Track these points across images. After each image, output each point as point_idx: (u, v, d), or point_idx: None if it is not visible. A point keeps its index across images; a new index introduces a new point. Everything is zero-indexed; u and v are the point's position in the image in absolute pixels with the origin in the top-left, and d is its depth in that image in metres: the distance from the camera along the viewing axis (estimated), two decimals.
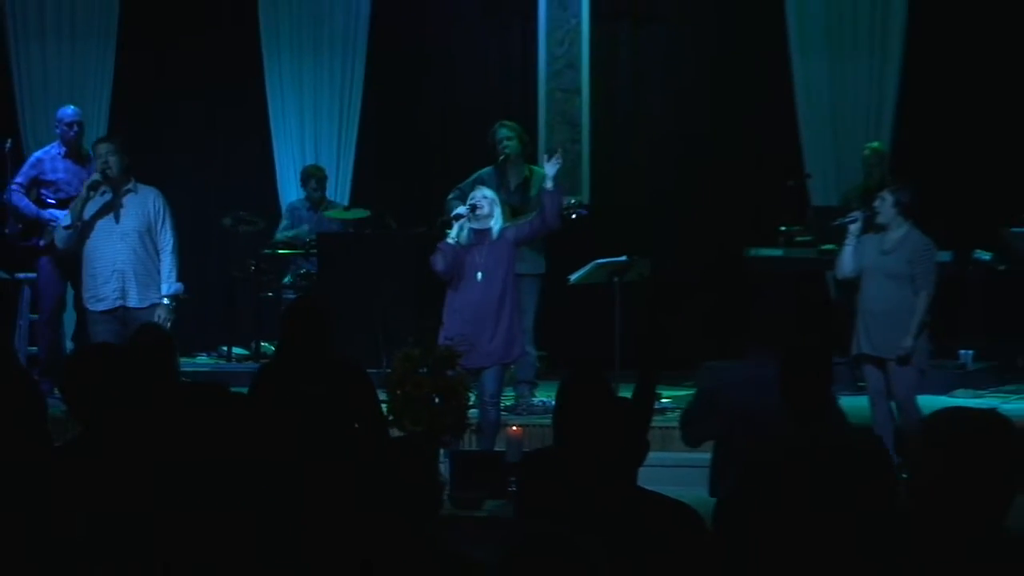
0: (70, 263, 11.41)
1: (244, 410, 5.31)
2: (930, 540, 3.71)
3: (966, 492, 3.67)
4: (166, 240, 10.46)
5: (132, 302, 10.34)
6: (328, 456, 6.83)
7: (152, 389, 6.29)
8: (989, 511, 3.69)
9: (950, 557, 3.67)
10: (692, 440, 7.57)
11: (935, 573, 3.68)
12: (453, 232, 9.73)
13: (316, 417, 6.94)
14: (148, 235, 10.39)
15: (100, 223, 10.36)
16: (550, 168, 10.06)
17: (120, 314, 10.30)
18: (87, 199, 10.33)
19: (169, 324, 10.27)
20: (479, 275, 9.71)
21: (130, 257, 10.34)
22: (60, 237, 10.50)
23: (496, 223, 9.80)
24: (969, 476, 3.67)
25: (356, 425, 7.55)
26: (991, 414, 3.80)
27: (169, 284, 10.43)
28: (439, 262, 9.71)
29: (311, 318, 7.59)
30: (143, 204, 10.41)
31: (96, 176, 10.30)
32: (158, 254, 10.43)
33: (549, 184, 9.99)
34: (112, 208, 10.34)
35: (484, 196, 9.83)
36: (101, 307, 10.36)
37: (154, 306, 10.34)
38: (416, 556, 4.26)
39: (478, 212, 9.74)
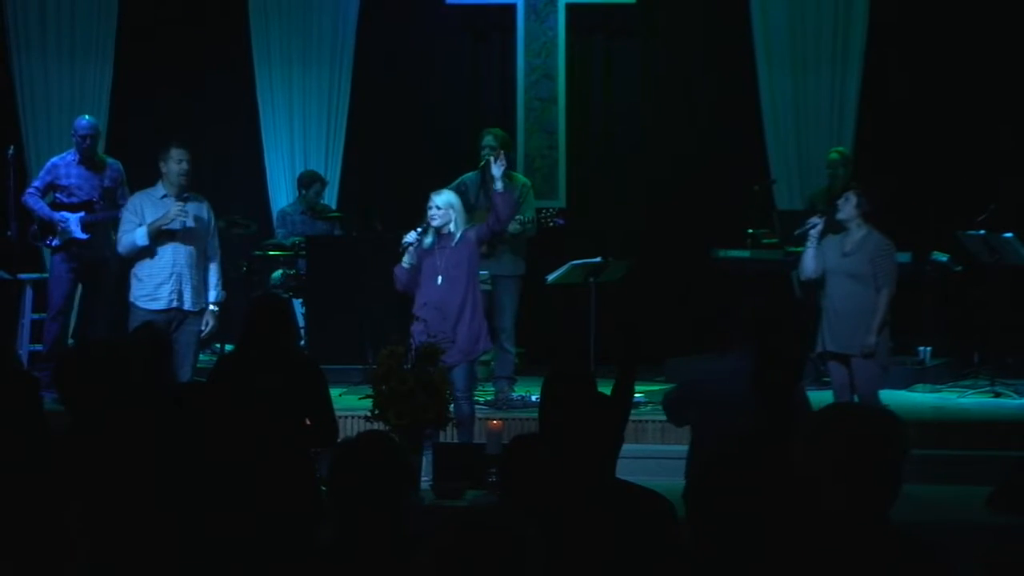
0: (84, 266, 11.84)
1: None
2: (817, 532, 3.73)
3: (853, 485, 3.68)
4: (215, 249, 10.65)
5: (186, 305, 10.41)
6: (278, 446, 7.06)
7: (147, 386, 6.43)
8: (875, 504, 3.72)
9: (837, 548, 3.69)
10: (674, 422, 7.92)
11: (823, 563, 3.70)
12: (407, 258, 9.90)
13: (268, 408, 7.12)
14: (203, 242, 10.53)
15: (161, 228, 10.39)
16: (495, 169, 10.20)
17: (172, 316, 10.36)
18: (165, 224, 10.31)
19: (216, 329, 10.63)
20: (439, 279, 9.85)
21: (188, 261, 10.40)
22: (126, 248, 10.43)
23: (456, 227, 9.92)
24: (856, 470, 3.68)
25: (308, 420, 7.59)
26: (881, 410, 3.88)
27: (217, 291, 10.59)
28: (397, 284, 9.97)
29: (273, 314, 7.68)
30: (200, 212, 10.54)
31: (182, 215, 10.29)
32: (206, 262, 10.59)
33: (498, 185, 10.11)
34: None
35: (437, 206, 9.91)
36: (155, 306, 10.32)
37: (202, 311, 10.49)
38: (389, 541, 4.29)
39: (434, 224, 9.87)
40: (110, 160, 12.06)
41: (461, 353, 9.80)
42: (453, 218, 9.93)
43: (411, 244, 9.90)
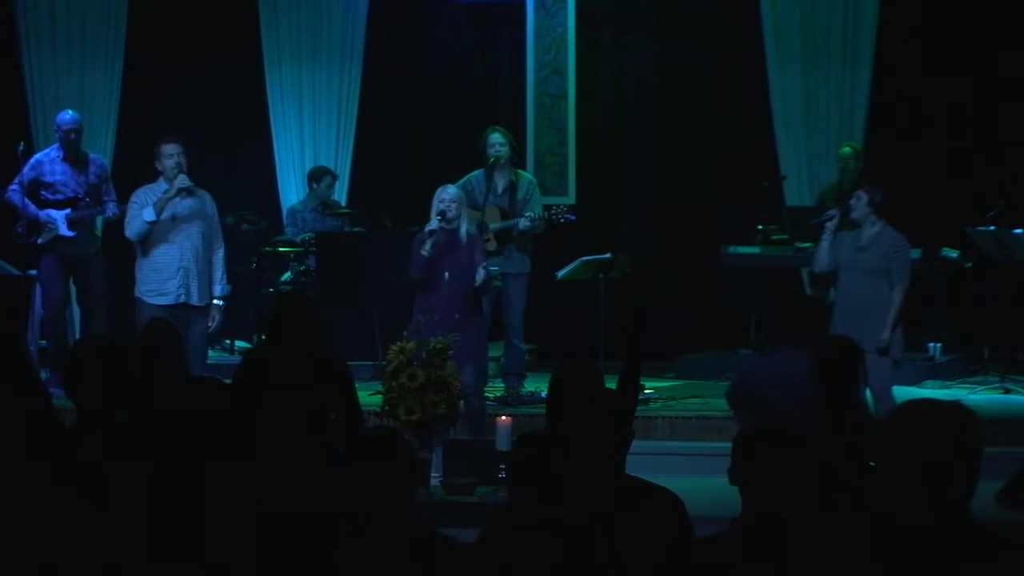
0: (72, 264, 11.84)
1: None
2: (895, 527, 3.73)
3: (932, 481, 3.67)
4: (219, 243, 10.70)
5: (193, 300, 10.47)
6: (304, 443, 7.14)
7: (159, 382, 6.53)
8: (954, 499, 3.71)
9: (916, 543, 3.69)
10: (736, 419, 7.94)
11: (902, 559, 3.70)
12: (427, 246, 9.93)
13: (293, 404, 7.19)
14: (207, 236, 10.58)
15: (166, 221, 10.45)
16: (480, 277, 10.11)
17: (180, 311, 10.39)
18: (172, 198, 10.39)
19: (221, 324, 10.71)
20: (446, 274, 9.94)
21: (194, 256, 10.47)
22: (137, 230, 10.47)
23: (463, 224, 10.03)
24: (935, 465, 3.67)
25: (332, 416, 7.65)
26: (956, 405, 3.84)
27: (222, 286, 10.65)
28: (414, 273, 9.97)
29: (301, 311, 7.72)
30: (203, 206, 10.60)
31: (186, 180, 10.39)
32: (210, 255, 10.63)
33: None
34: (177, 208, 10.47)
35: (452, 200, 10.00)
36: (162, 301, 10.40)
37: (208, 306, 10.55)
38: (397, 535, 4.34)
39: (448, 216, 9.94)
40: (93, 155, 12.05)
41: (466, 355, 9.80)
42: (463, 214, 10.04)
43: (435, 231, 9.93)
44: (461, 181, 11.62)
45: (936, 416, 3.77)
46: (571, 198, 13.77)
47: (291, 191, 14.22)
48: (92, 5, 14.04)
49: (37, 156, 12.01)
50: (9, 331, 11.33)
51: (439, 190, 10.19)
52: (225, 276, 10.73)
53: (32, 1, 13.94)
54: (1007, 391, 12.09)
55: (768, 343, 7.81)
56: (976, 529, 3.72)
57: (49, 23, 13.98)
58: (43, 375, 9.72)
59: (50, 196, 11.77)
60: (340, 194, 13.98)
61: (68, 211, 11.71)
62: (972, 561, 3.67)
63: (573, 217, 11.95)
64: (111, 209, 11.79)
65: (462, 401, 9.57)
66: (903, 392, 11.21)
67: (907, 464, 3.70)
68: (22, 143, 12.30)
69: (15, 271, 12.50)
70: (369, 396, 9.57)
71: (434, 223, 9.96)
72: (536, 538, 3.09)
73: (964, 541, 3.68)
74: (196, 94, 14.41)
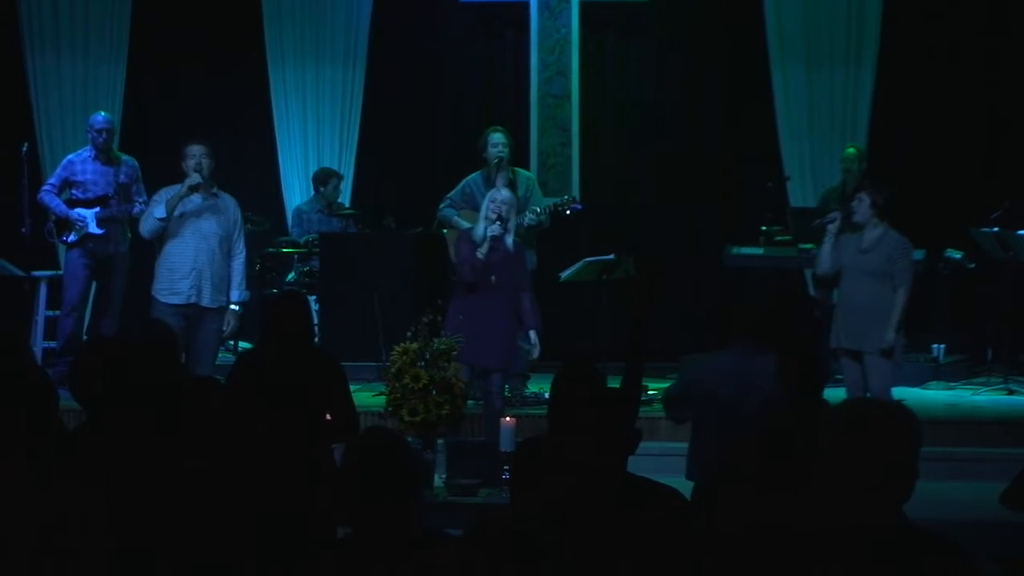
0: (98, 261, 11.91)
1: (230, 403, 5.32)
2: (832, 526, 3.72)
3: (869, 480, 3.69)
4: (240, 248, 10.60)
5: (205, 301, 10.39)
6: (301, 442, 7.10)
7: (156, 383, 6.69)
8: (890, 499, 3.72)
9: (850, 543, 3.69)
10: (674, 419, 7.96)
11: (837, 559, 3.70)
12: (484, 248, 9.88)
13: (289, 403, 7.17)
14: (226, 240, 10.50)
15: (184, 221, 10.42)
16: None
17: (191, 311, 10.38)
18: (184, 196, 10.38)
19: (236, 329, 10.70)
20: (492, 278, 9.90)
21: (209, 258, 10.39)
22: (149, 227, 10.49)
23: (512, 230, 10.02)
24: (872, 465, 3.69)
25: (328, 415, 7.65)
26: (896, 406, 3.87)
27: (240, 291, 10.58)
28: (469, 275, 9.90)
29: (295, 310, 7.72)
30: (225, 210, 10.55)
31: (197, 177, 10.35)
32: (230, 260, 10.57)
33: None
34: (197, 209, 10.45)
35: (505, 202, 9.96)
36: (174, 300, 10.37)
37: (222, 309, 10.47)
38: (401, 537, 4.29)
39: (506, 218, 9.91)
40: (125, 157, 12.15)
41: (501, 360, 9.86)
42: (513, 218, 10.02)
43: (496, 236, 9.90)
44: (461, 184, 11.68)
45: (878, 416, 3.78)
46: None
47: (295, 192, 14.24)
48: (96, 7, 14.09)
49: (69, 157, 12.17)
50: (12, 331, 11.44)
51: (492, 192, 10.17)
52: (244, 282, 10.67)
53: (36, 3, 13.98)
54: (1011, 392, 12.07)
55: (721, 344, 7.75)
56: (908, 529, 3.73)
57: (53, 25, 14.03)
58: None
59: (80, 195, 11.90)
60: (344, 195, 13.97)
61: (97, 209, 11.79)
62: (906, 563, 3.68)
63: (581, 207, 11.91)
64: (139, 209, 11.83)
65: (471, 401, 9.57)
66: (906, 393, 11.26)
67: (848, 464, 3.71)
68: (25, 144, 12.45)
69: (19, 272, 12.52)
70: (372, 397, 9.55)
71: (495, 227, 9.90)
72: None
73: (893, 539, 3.69)
74: (200, 96, 14.39)
